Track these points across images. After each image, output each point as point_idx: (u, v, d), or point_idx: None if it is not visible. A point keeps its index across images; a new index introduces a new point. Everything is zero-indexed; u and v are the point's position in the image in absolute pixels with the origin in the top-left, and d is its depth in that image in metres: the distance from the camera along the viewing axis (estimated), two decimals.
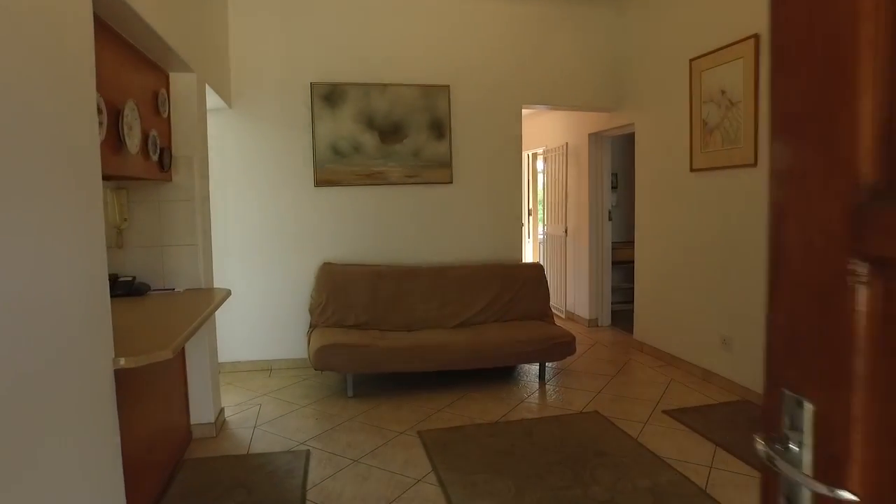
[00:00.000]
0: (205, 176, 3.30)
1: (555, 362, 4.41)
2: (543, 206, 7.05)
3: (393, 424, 3.42)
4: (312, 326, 4.31)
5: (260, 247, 4.42)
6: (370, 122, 4.51)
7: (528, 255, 7.72)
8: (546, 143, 6.58)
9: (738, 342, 3.83)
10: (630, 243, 6.75)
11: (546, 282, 4.77)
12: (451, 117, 4.66)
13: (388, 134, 4.55)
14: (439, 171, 4.67)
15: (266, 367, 4.51)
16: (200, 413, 3.17)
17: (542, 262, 6.86)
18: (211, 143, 4.16)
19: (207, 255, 3.26)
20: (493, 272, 4.66)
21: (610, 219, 5.83)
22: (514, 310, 4.61)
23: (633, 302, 6.81)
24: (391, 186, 4.62)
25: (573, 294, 6.14)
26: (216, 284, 3.49)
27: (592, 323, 5.89)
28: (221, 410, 3.45)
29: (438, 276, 4.55)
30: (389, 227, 4.66)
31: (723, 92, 3.82)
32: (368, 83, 4.49)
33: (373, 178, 4.56)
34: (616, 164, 6.35)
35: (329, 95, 4.42)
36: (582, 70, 4.99)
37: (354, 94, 4.46)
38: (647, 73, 4.68)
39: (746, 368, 3.77)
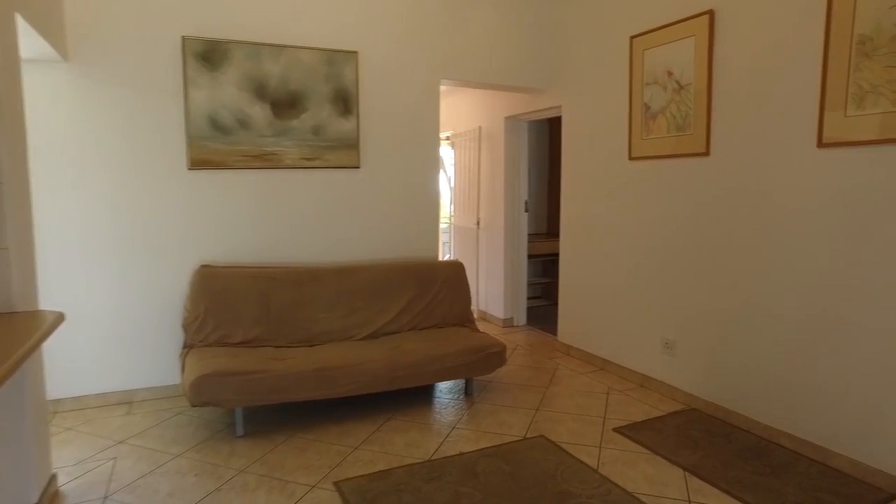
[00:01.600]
0: (19, 151, 2.30)
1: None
2: (451, 195, 6.50)
3: (300, 474, 2.67)
4: (188, 347, 3.39)
5: (113, 248, 3.39)
6: (260, 92, 3.63)
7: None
8: (455, 126, 6.02)
9: (681, 346, 3.53)
10: (542, 235, 6.45)
11: (467, 282, 4.21)
12: (359, 90, 3.92)
13: (282, 107, 3.71)
14: (345, 152, 3.92)
15: (124, 401, 3.50)
16: (15, 490, 2.20)
17: (445, 257, 6.34)
18: (34, 106, 3.08)
19: (26, 262, 2.28)
20: (409, 272, 4.01)
21: (526, 210, 5.41)
22: (432, 315, 4.01)
23: (544, 298, 6.56)
24: (287, 170, 3.79)
25: (486, 292, 5.67)
26: (43, 303, 2.50)
27: (507, 323, 5.46)
28: (52, 478, 2.47)
29: (345, 278, 3.81)
30: (284, 220, 3.83)
31: (669, 73, 3.47)
32: (258, 42, 3.60)
33: (264, 160, 3.70)
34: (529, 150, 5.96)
35: (207, 55, 3.48)
36: (507, 45, 4.47)
37: (240, 54, 3.56)
38: (579, 51, 4.25)
39: (690, 374, 3.48)
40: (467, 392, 3.73)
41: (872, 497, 2.49)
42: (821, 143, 2.71)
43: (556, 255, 6.22)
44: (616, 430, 3.14)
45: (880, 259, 2.53)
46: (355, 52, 3.88)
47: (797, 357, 2.89)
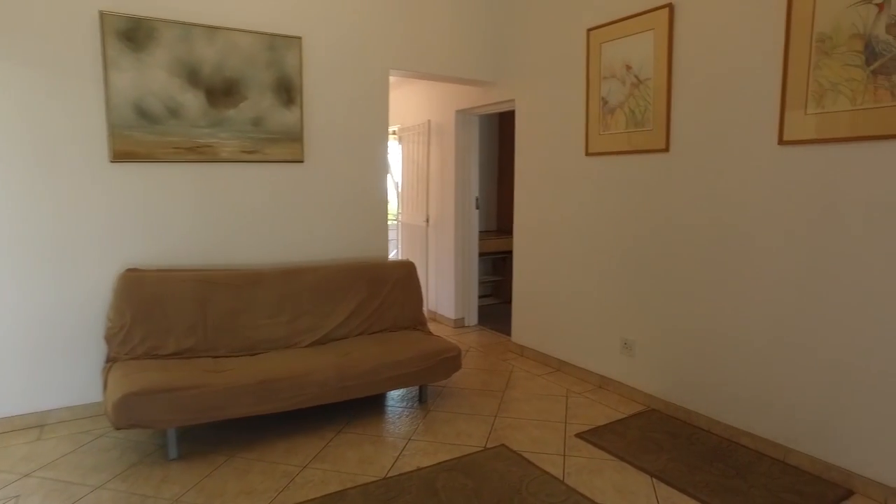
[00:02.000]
0: None
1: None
2: (398, 192, 6.27)
3: (242, 500, 2.41)
4: (111, 361, 3.03)
5: (20, 249, 2.99)
6: (193, 77, 3.30)
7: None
8: (402, 120, 5.80)
9: (641, 346, 3.48)
10: (492, 232, 6.33)
11: (419, 283, 4.02)
12: (302, 78, 3.64)
13: (218, 94, 3.38)
14: (287, 146, 3.63)
15: (35, 425, 3.10)
16: None
17: (391, 256, 6.12)
18: None
19: None
20: (357, 273, 3.78)
21: (477, 207, 5.27)
22: (383, 318, 3.79)
23: (494, 296, 6.45)
24: (224, 164, 3.47)
25: (436, 292, 5.49)
26: None
27: (459, 323, 5.31)
28: None
29: (289, 280, 3.54)
30: (222, 218, 3.51)
31: (628, 67, 3.40)
32: (190, 23, 3.27)
33: (199, 153, 3.36)
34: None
35: (131, 34, 3.12)
36: (459, 35, 4.29)
37: (170, 35, 3.21)
38: (534, 43, 4.13)
39: (650, 374, 3.43)
40: (421, 399, 3.54)
41: (832, 494, 2.49)
42: (781, 141, 2.69)
43: (507, 252, 6.14)
44: (579, 435, 3.04)
45: (841, 259, 2.52)
46: (299, 38, 3.60)
47: (757, 356, 2.87)
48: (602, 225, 3.67)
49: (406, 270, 3.97)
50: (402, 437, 3.04)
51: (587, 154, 3.73)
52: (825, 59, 2.52)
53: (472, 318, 5.38)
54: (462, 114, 5.03)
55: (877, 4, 2.36)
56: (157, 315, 3.12)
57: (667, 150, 3.22)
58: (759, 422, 2.88)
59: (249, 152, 3.51)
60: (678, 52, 3.12)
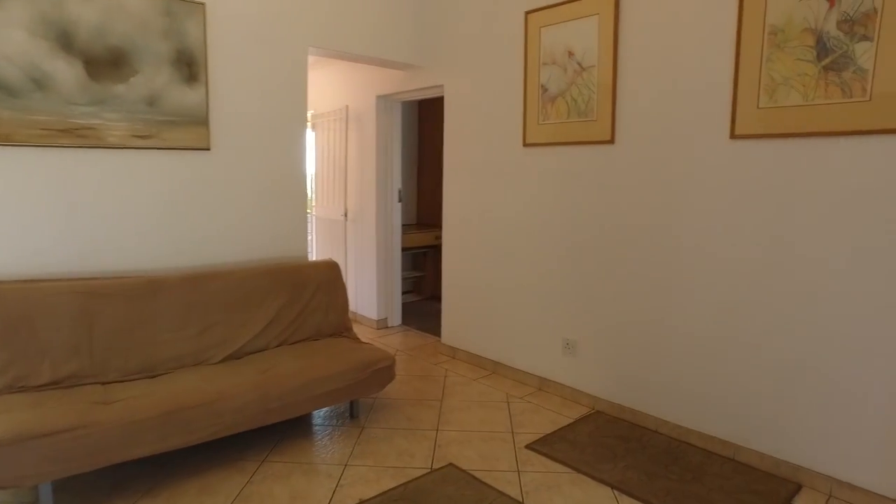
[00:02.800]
0: None
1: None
2: (312, 184, 5.78)
3: None
4: None
5: None
6: (66, 42, 2.69)
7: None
8: (317, 105, 5.32)
9: (583, 346, 3.35)
10: (412, 226, 6.02)
11: (344, 285, 3.64)
12: (207, 52, 3.12)
13: (101, 66, 2.79)
14: (191, 130, 3.10)
15: None
16: None
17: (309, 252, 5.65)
18: None
19: None
20: (275, 276, 3.33)
21: (400, 200, 4.95)
22: (305, 326, 3.38)
23: (416, 293, 6.16)
24: (112, 151, 2.88)
25: (356, 291, 5.11)
26: None
27: (382, 324, 4.98)
28: None
29: (195, 287, 3.03)
30: (111, 215, 2.93)
31: (570, 53, 3.22)
32: None
33: (77, 136, 2.76)
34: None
35: None
36: (384, 13, 3.92)
37: None
38: (466, 25, 3.85)
39: (594, 375, 3.32)
40: (353, 415, 3.19)
41: (784, 490, 2.48)
42: (733, 135, 2.63)
43: (428, 247, 5.88)
44: (529, 447, 2.85)
45: (792, 255, 2.50)
46: (202, 4, 3.07)
47: (705, 354, 2.82)
48: (542, 219, 3.50)
49: (330, 271, 3.58)
50: (336, 462, 2.68)
51: (525, 145, 3.53)
52: (777, 52, 2.47)
53: (396, 319, 5.06)
54: (384, 99, 4.67)
55: (828, 0, 2.33)
56: (23, 336, 2.52)
57: (612, 141, 3.09)
58: (708, 420, 2.84)
59: (143, 137, 2.94)
60: (624, 40, 2.99)
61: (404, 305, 5.40)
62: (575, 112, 3.24)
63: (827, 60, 2.35)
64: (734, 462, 2.71)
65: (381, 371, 3.10)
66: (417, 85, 4.27)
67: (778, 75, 2.47)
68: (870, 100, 2.26)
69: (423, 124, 6.09)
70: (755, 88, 2.54)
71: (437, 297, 5.94)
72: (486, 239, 3.87)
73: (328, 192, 5.28)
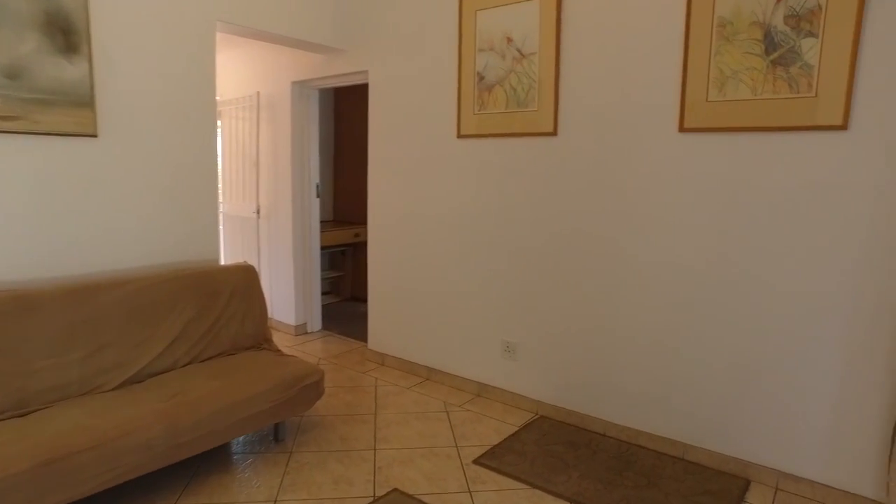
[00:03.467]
0: None
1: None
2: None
3: None
4: None
5: None
6: None
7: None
8: (223, 91, 4.78)
9: (525, 348, 3.20)
10: (329, 223, 5.63)
11: (261, 291, 3.24)
12: (90, 17, 2.60)
13: None
14: (70, 112, 2.58)
15: None
16: None
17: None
18: None
19: None
20: (182, 284, 2.88)
21: (318, 195, 4.57)
22: (219, 340, 2.96)
23: (334, 294, 5.76)
24: None
25: (272, 294, 4.66)
26: None
27: (301, 330, 4.59)
28: None
29: (81, 301, 2.52)
30: None
31: (509, 39, 3.04)
32: None
33: None
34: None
35: None
36: None
37: None
38: (395, 6, 3.54)
39: (536, 378, 3.17)
40: (278, 438, 2.83)
41: (735, 488, 2.46)
42: (682, 128, 2.56)
43: (347, 245, 5.53)
44: (477, 461, 2.64)
45: (742, 252, 2.47)
46: None
47: (653, 353, 2.76)
48: (479, 216, 3.30)
49: (245, 276, 3.16)
50: (264, 499, 2.33)
51: (459, 136, 3.31)
52: (726, 45, 2.42)
53: (316, 323, 4.68)
54: (300, 86, 4.26)
55: None
56: None
57: (555, 133, 2.94)
58: (657, 421, 2.78)
59: (5, 118, 2.39)
60: (568, 27, 2.84)
61: (323, 308, 5.02)
62: (514, 102, 3.06)
63: (775, 55, 2.32)
64: (684, 462, 2.67)
65: (309, 387, 2.77)
66: (339, 70, 3.91)
67: (727, 68, 2.42)
68: (816, 96, 2.25)
69: (340, 113, 5.70)
70: (704, 81, 2.48)
71: (358, 298, 5.61)
72: (418, 237, 3.62)
73: (238, 188, 4.78)
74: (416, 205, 3.60)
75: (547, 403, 3.14)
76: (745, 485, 2.50)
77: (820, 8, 2.22)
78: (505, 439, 2.87)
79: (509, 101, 3.07)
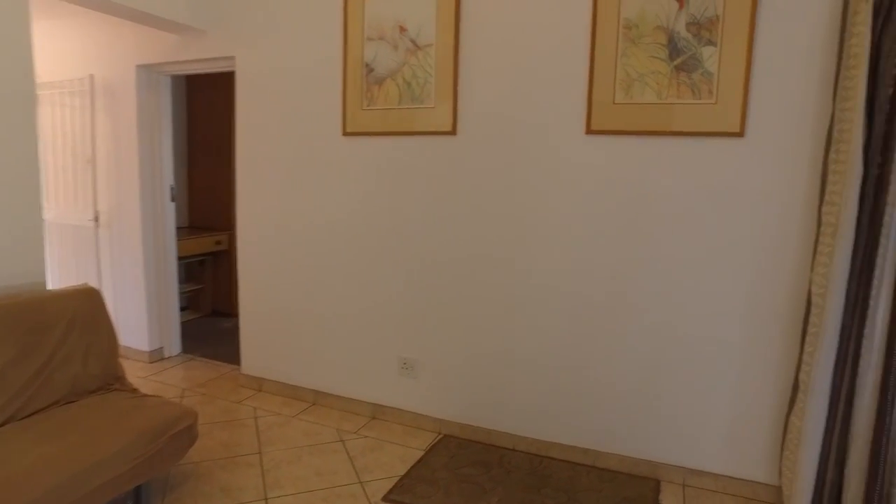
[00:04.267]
0: None
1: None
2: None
3: None
4: None
5: None
6: None
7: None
8: (43, 72, 3.90)
9: (424, 364, 2.97)
10: (184, 230, 4.92)
11: (108, 319, 2.65)
12: None
13: None
14: None
15: None
16: None
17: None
18: None
19: None
20: None
21: (173, 198, 3.93)
22: (51, 387, 2.34)
23: (192, 310, 5.03)
24: None
25: (119, 317, 3.89)
26: None
27: (156, 355, 3.93)
28: None
29: None
30: None
31: (402, 28, 2.77)
32: None
33: None
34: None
35: None
36: None
37: None
38: None
39: (438, 395, 2.96)
40: (140, 503, 2.31)
41: (649, 490, 2.47)
42: (589, 130, 2.49)
43: (206, 255, 4.87)
44: (387, 499, 2.36)
45: (647, 254, 2.47)
46: None
47: (560, 362, 2.68)
48: (370, 222, 3.00)
49: (87, 303, 2.55)
50: None
51: (346, 134, 2.98)
52: (632, 47, 2.39)
53: (175, 346, 4.03)
54: (148, 71, 3.60)
55: (677, 1, 2.31)
56: None
57: (454, 133, 2.74)
58: (566, 431, 2.71)
59: None
60: (468, 18, 2.65)
61: (181, 327, 4.36)
62: (408, 97, 2.81)
63: (678, 60, 2.33)
64: (598, 469, 2.63)
65: (179, 434, 2.28)
66: (197, 54, 3.36)
67: (633, 71, 2.39)
68: (716, 103, 2.30)
69: (193, 104, 5.01)
70: (611, 83, 2.43)
71: (221, 314, 5.00)
72: (299, 246, 3.22)
73: (67, 190, 3.95)
74: (295, 210, 3.19)
75: (450, 421, 2.94)
76: (657, 486, 2.51)
77: (718, 18, 2.26)
78: (412, 467, 2.62)
79: (403, 97, 2.82)
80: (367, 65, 2.88)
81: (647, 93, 2.39)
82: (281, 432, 2.93)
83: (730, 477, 2.46)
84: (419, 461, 2.67)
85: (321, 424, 3.03)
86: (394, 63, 2.81)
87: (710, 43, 2.28)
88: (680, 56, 2.33)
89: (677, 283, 2.44)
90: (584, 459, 2.68)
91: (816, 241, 2.16)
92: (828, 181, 2.12)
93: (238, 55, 3.23)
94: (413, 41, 2.75)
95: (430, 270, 2.89)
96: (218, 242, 4.74)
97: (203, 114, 4.94)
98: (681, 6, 2.30)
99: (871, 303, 2.09)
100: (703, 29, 2.28)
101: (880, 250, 2.06)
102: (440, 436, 2.93)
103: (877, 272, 2.07)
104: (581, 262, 2.59)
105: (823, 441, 2.19)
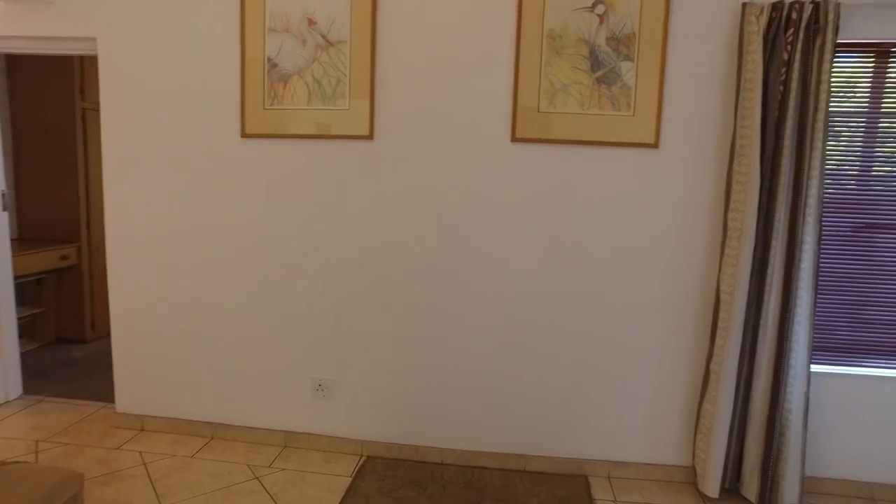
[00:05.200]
0: None
1: None
2: None
3: None
4: None
5: None
6: None
7: None
8: None
9: (342, 385, 2.78)
10: (13, 242, 4.05)
11: None
12: None
13: None
14: None
15: None
16: None
17: None
18: None
19: None
20: None
21: (5, 207, 3.23)
22: None
23: (28, 339, 4.14)
24: None
25: None
26: None
27: None
28: None
29: None
30: None
31: (311, 22, 2.52)
32: None
33: None
34: None
35: None
36: None
37: None
38: None
39: (359, 416, 2.79)
40: None
41: (580, 487, 2.56)
42: (514, 138, 2.49)
43: (47, 272, 4.07)
44: None
45: (571, 258, 2.54)
46: None
47: (488, 371, 2.67)
48: (275, 233, 2.72)
49: None
50: None
51: (245, 136, 2.66)
52: (556, 57, 2.42)
53: (15, 388, 3.31)
54: None
55: (598, 15, 2.39)
56: None
57: (371, 137, 2.58)
58: (496, 438, 2.71)
59: None
60: (386, 16, 2.49)
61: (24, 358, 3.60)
62: (319, 97, 2.58)
63: (599, 73, 2.42)
64: (530, 473, 2.66)
65: None
66: (40, 31, 2.75)
67: (557, 80, 2.43)
68: (633, 115, 2.42)
69: (17, 91, 4.14)
70: (536, 91, 2.44)
71: (69, 340, 4.27)
72: (189, 260, 2.82)
73: None
74: (184, 220, 2.78)
75: (373, 441, 2.79)
76: (586, 482, 2.61)
77: (635, 35, 2.38)
78: (344, 497, 2.43)
79: (312, 96, 2.58)
80: (269, 59, 2.58)
81: (570, 103, 2.44)
82: (181, 478, 2.54)
83: (649, 464, 2.65)
84: (349, 489, 2.49)
85: (228, 462, 2.69)
86: (302, 59, 2.56)
87: (628, 58, 2.39)
88: (601, 69, 2.41)
89: (599, 285, 2.55)
90: (515, 465, 2.71)
91: (723, 245, 2.39)
92: (732, 190, 2.35)
93: (101, 37, 2.71)
94: (324, 36, 2.52)
95: (347, 283, 2.70)
96: (64, 257, 4.00)
97: (31, 101, 4.11)
98: (601, 21, 2.39)
99: (766, 297, 2.37)
100: (622, 44, 2.39)
101: (772, 251, 2.33)
102: (363, 458, 2.77)
103: (769, 270, 2.35)
104: (507, 267, 2.59)
105: (730, 422, 2.45)
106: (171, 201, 2.78)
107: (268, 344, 2.81)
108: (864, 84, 2.42)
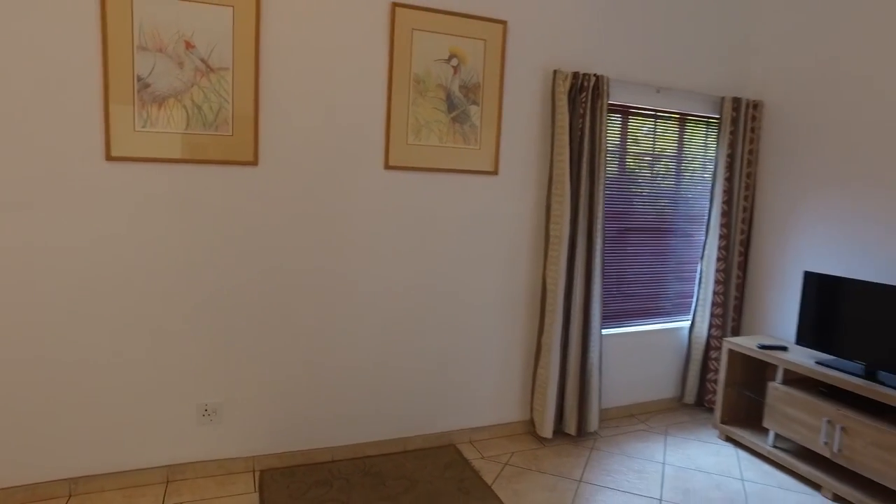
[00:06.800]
0: None
1: None
2: None
3: None
4: None
5: None
6: None
7: None
8: None
9: (230, 405, 2.79)
10: None
11: None
12: None
13: None
14: None
15: None
16: None
17: None
18: None
19: None
20: None
21: None
22: None
23: None
24: None
25: None
26: None
27: None
28: None
29: None
30: None
31: (189, 45, 2.49)
32: None
33: None
34: None
35: None
36: None
37: None
38: None
39: (249, 434, 2.84)
40: None
41: (454, 453, 3.09)
42: (387, 165, 2.87)
43: None
44: None
45: (435, 263, 3.05)
46: None
47: (367, 364, 3.01)
48: (148, 264, 2.57)
49: None
50: None
51: (110, 159, 2.46)
52: (420, 98, 2.89)
53: None
54: None
55: (453, 67, 2.94)
56: None
57: (255, 163, 2.67)
58: (376, 428, 3.06)
59: None
60: (269, 48, 2.61)
61: None
62: (199, 122, 2.56)
63: (454, 113, 2.97)
64: (410, 452, 3.09)
65: None
66: None
67: (421, 118, 2.90)
68: (479, 148, 3.05)
69: None
70: (405, 125, 2.87)
71: None
72: (43, 296, 2.45)
73: None
74: (38, 251, 2.42)
75: (264, 455, 2.87)
76: (456, 449, 3.16)
77: (479, 85, 3.00)
78: None
79: (192, 121, 2.54)
80: (138, 77, 2.45)
81: (432, 137, 2.94)
82: None
83: (499, 424, 3.33)
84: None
85: None
86: (179, 83, 2.50)
87: (475, 103, 3.00)
88: (455, 110, 2.97)
89: (455, 285, 3.12)
90: (396, 448, 3.10)
91: (547, 248, 3.19)
92: (551, 207, 3.16)
93: None
94: (204, 61, 2.52)
95: (230, 307, 2.72)
96: None
97: None
98: (455, 72, 2.94)
99: (574, 285, 3.25)
100: (471, 91, 2.99)
101: (577, 250, 3.22)
102: (258, 473, 2.83)
103: (576, 264, 3.23)
104: (384, 276, 2.97)
105: (558, 380, 3.28)
106: (18, 230, 2.39)
107: (143, 375, 2.63)
108: (617, 132, 3.49)
